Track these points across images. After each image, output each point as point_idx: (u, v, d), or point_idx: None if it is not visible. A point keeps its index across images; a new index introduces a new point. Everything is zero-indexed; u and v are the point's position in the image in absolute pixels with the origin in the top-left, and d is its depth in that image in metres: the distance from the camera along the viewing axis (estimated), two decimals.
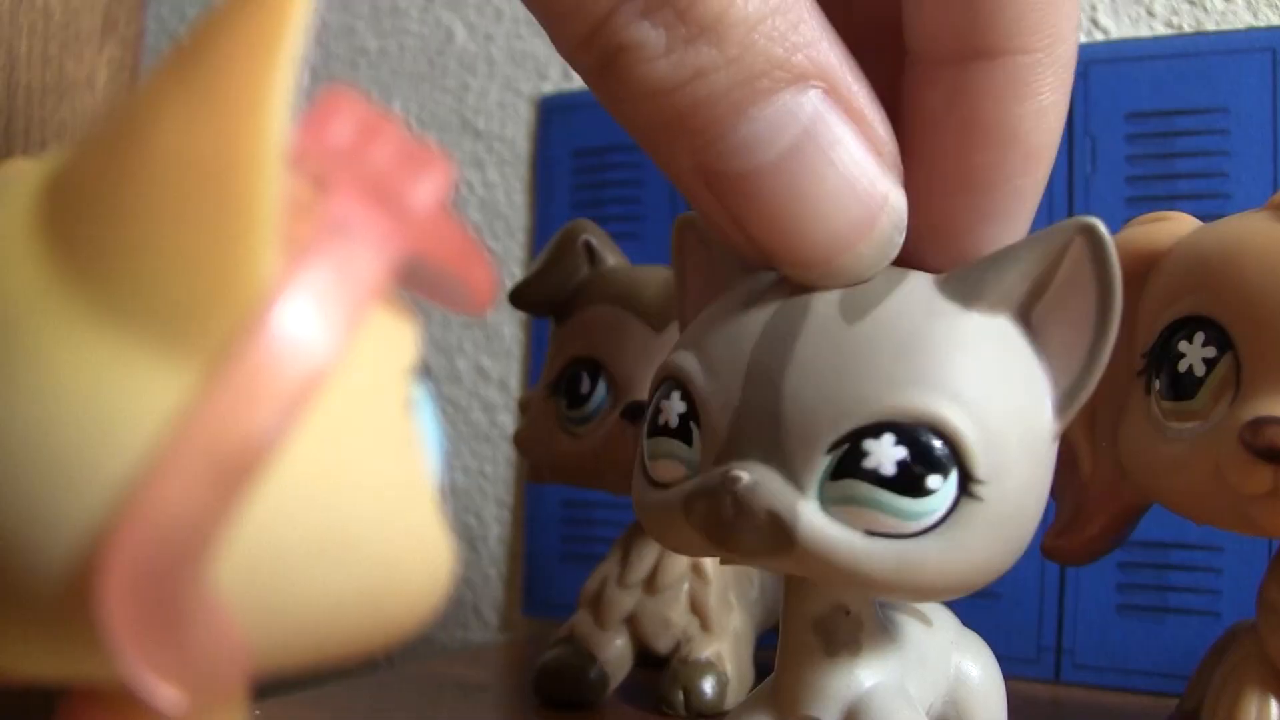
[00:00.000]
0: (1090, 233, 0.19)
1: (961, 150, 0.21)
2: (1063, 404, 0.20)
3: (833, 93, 0.19)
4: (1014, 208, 0.21)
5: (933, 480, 0.19)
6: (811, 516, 0.19)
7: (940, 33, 0.20)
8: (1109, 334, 0.20)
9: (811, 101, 0.19)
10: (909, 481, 0.19)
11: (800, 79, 0.19)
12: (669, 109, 0.19)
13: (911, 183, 0.21)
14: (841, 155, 0.19)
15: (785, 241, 0.20)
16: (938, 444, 0.19)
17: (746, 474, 0.19)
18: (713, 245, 0.23)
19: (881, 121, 0.20)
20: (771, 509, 0.19)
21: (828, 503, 0.19)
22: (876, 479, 0.19)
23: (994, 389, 0.19)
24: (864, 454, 0.19)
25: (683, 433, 0.21)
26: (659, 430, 0.21)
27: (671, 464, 0.21)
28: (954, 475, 0.19)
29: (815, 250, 0.20)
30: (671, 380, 0.21)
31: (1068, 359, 0.20)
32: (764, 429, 0.19)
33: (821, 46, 0.19)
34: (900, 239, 0.20)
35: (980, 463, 0.19)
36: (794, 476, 0.19)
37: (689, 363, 0.21)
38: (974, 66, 0.20)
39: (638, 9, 0.18)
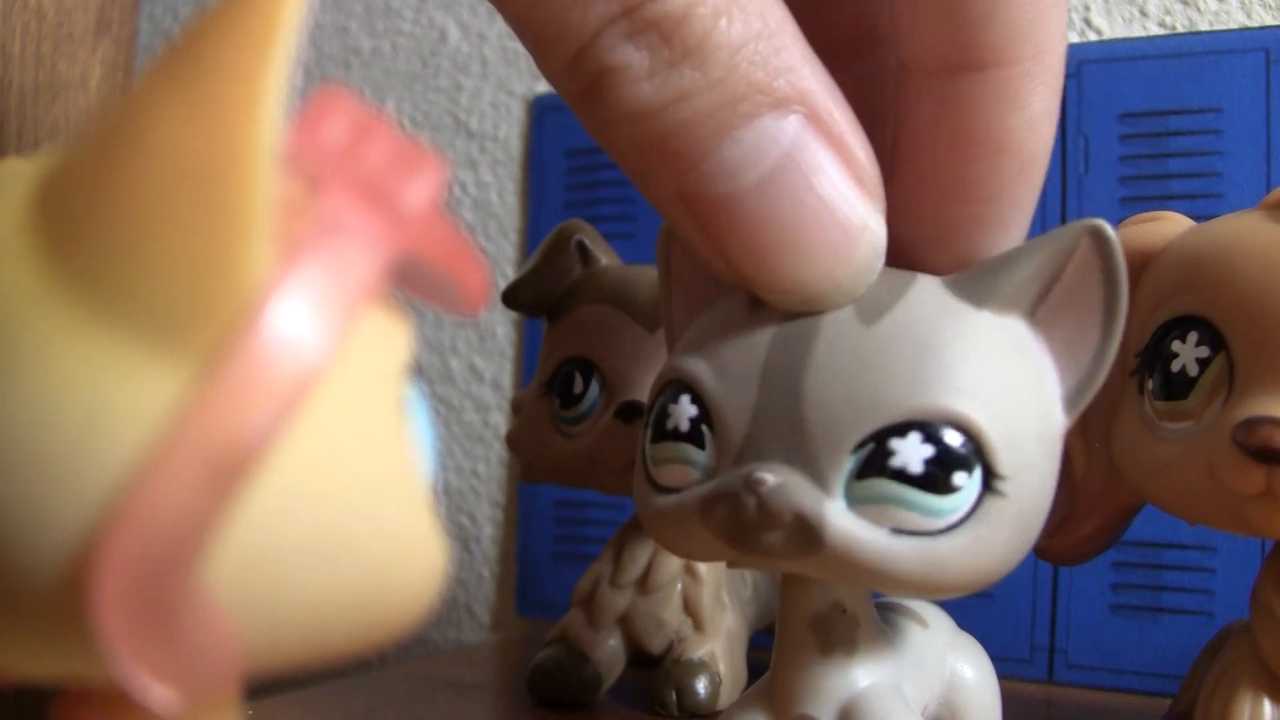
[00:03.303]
0: (1097, 233, 0.20)
1: (955, 161, 0.21)
2: (1070, 402, 0.20)
3: (814, 118, 0.19)
4: (1010, 215, 0.21)
5: (959, 477, 0.19)
6: (838, 517, 0.19)
7: (929, 45, 0.20)
8: (1116, 332, 0.20)
9: (793, 126, 0.19)
10: (936, 479, 0.19)
11: (782, 104, 0.19)
12: (652, 132, 0.19)
13: (908, 193, 0.21)
14: (821, 181, 0.19)
15: (762, 266, 0.20)
16: (962, 442, 0.19)
17: (772, 475, 0.19)
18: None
19: (863, 148, 0.20)
20: (798, 510, 0.19)
21: (854, 502, 0.19)
22: (904, 477, 0.19)
23: (1011, 388, 0.20)
24: (890, 453, 0.19)
25: (694, 436, 0.21)
26: (666, 435, 0.21)
27: (681, 468, 0.21)
28: (978, 472, 0.19)
29: (792, 276, 0.20)
30: (678, 384, 0.21)
31: (1074, 357, 0.20)
32: (784, 430, 0.19)
33: (804, 72, 0.19)
34: (879, 266, 0.20)
35: (1002, 460, 0.19)
36: (818, 477, 0.19)
37: (697, 367, 0.21)
38: (963, 78, 0.20)
39: (623, 32, 0.18)
